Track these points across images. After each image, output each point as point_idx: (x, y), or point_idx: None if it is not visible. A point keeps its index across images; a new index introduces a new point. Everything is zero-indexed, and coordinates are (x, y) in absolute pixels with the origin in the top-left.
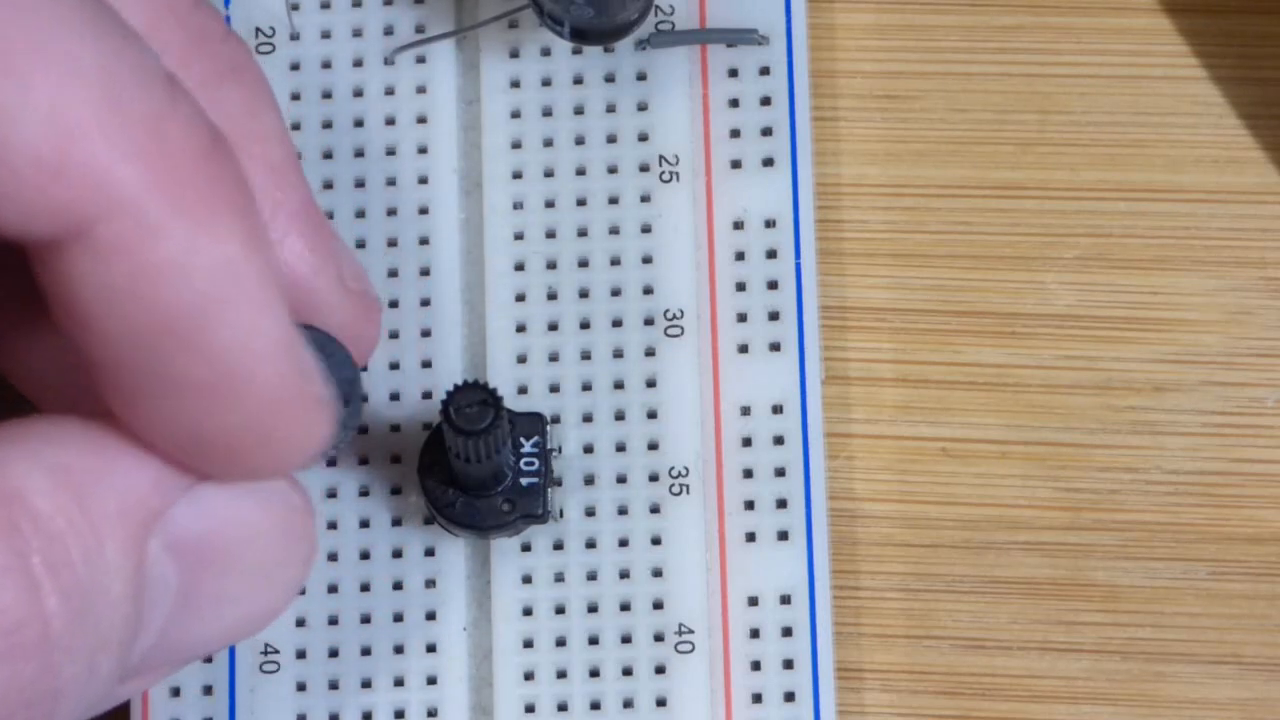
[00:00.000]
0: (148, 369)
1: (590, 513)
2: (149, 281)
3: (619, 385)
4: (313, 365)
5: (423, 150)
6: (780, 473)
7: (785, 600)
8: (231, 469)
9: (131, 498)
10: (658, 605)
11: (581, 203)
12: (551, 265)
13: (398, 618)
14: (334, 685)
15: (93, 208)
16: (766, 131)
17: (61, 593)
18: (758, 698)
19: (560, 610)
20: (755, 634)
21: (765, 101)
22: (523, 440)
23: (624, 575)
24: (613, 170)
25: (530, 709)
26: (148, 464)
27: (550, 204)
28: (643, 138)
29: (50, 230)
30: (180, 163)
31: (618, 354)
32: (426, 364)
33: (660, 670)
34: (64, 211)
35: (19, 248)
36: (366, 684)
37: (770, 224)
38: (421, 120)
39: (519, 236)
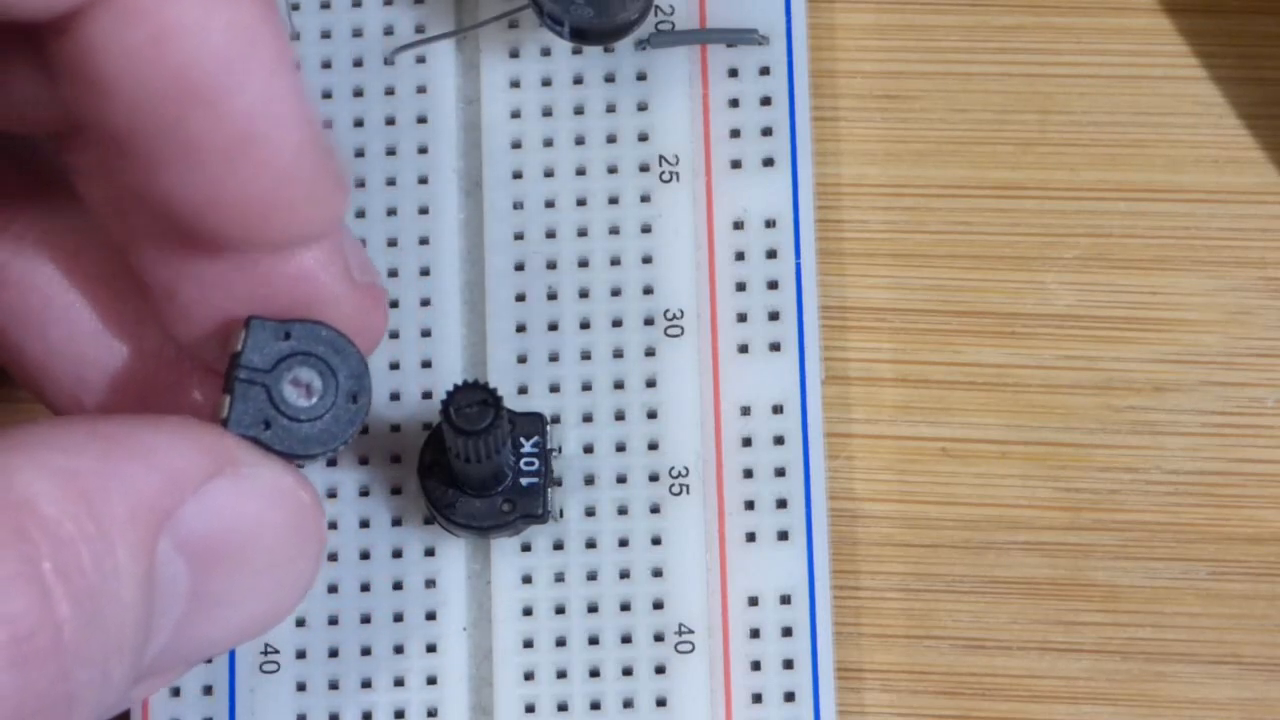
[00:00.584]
0: (168, 134)
1: (590, 513)
2: (169, 42)
3: (619, 385)
4: (327, 138)
5: (423, 150)
6: (780, 473)
7: (785, 600)
8: (250, 236)
9: (140, 500)
10: (658, 605)
11: (581, 203)
12: (551, 265)
13: (398, 618)
14: (334, 685)
15: None
16: (766, 131)
17: (73, 599)
18: (758, 698)
19: (560, 610)
20: (755, 634)
21: (765, 101)
22: (523, 440)
23: (624, 575)
24: (613, 170)
25: (530, 709)
26: (156, 465)
27: (550, 204)
28: (643, 138)
29: None
30: None
31: (618, 354)
32: (426, 364)
33: (660, 670)
34: None
35: (29, 32)
36: (366, 684)
37: (770, 224)
38: (421, 120)
39: (519, 236)
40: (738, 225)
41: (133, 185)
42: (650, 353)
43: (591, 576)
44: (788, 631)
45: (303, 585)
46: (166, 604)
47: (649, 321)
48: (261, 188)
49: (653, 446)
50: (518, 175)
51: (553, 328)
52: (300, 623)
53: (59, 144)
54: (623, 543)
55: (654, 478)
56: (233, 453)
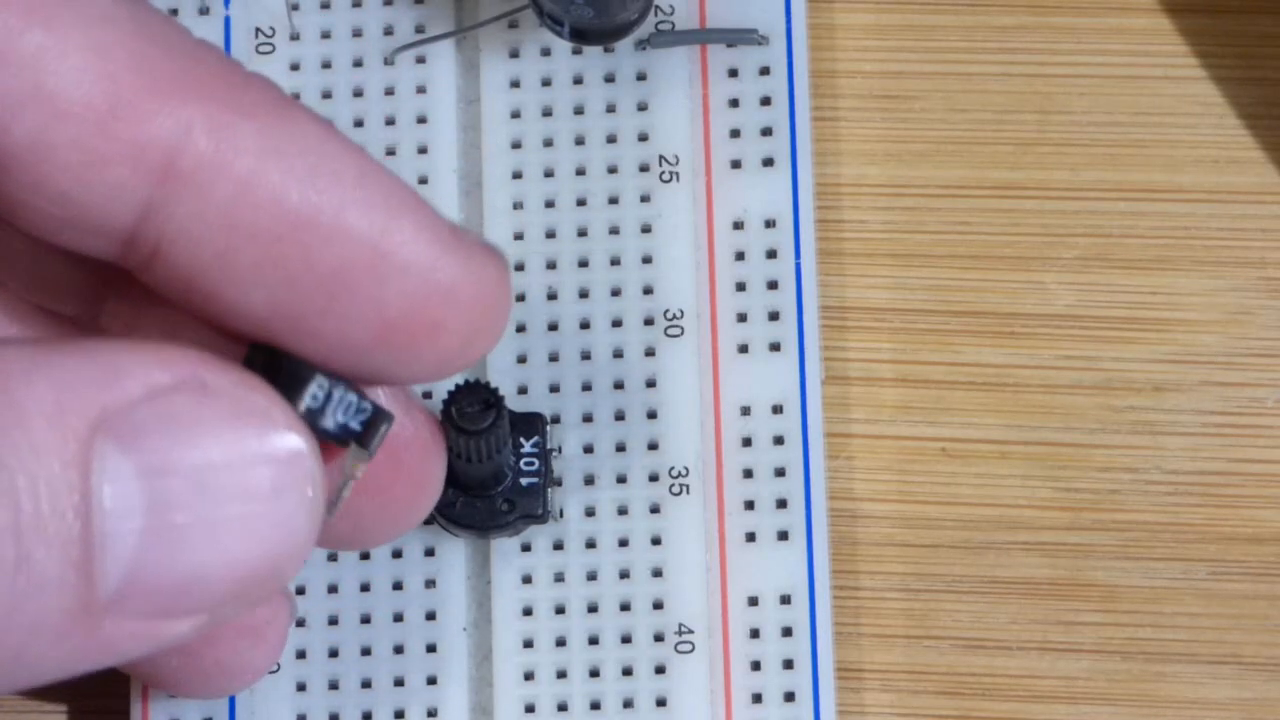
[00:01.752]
0: (304, 278)
1: (590, 513)
2: (257, 184)
3: (619, 385)
4: (463, 230)
5: (423, 150)
6: (780, 473)
7: (785, 600)
8: (432, 346)
9: (70, 388)
10: (658, 605)
11: (581, 203)
12: (551, 265)
13: (398, 618)
14: (334, 685)
15: (162, 136)
16: (766, 131)
17: None
18: (758, 698)
19: (560, 610)
20: (755, 634)
21: (765, 101)
22: (523, 440)
23: (624, 575)
24: (613, 170)
25: (530, 709)
26: (97, 362)
27: (550, 204)
28: (643, 138)
29: (136, 183)
30: (229, 80)
31: (618, 354)
32: None
33: (660, 670)
34: (137, 153)
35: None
36: (366, 684)
37: (770, 224)
38: (421, 120)
39: (519, 236)
40: (738, 225)
41: (290, 341)
42: (650, 353)
43: (591, 576)
44: (788, 631)
45: (294, 527)
46: (118, 512)
47: (649, 321)
48: (419, 293)
49: (653, 446)
50: (518, 175)
51: (553, 328)
52: (300, 623)
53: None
54: (623, 543)
55: (654, 478)
56: (198, 373)
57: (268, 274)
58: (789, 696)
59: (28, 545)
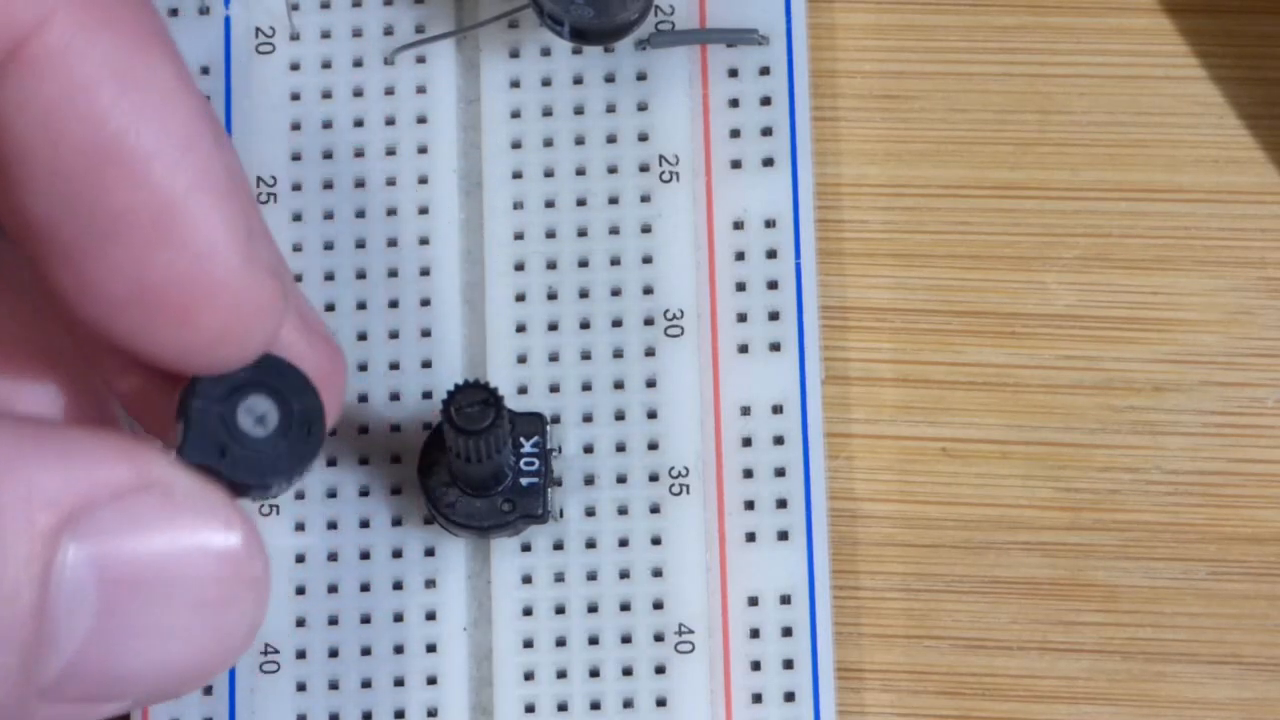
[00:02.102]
0: (88, 205)
1: (590, 513)
2: (86, 96)
3: (619, 385)
4: (260, 233)
5: (423, 150)
6: (780, 473)
7: (785, 600)
8: (177, 332)
9: (43, 489)
10: (658, 605)
11: (581, 203)
12: (551, 265)
13: (398, 618)
14: (334, 685)
15: (24, 15)
16: (766, 131)
17: None
18: (758, 698)
19: (560, 610)
20: (755, 634)
21: (765, 101)
22: (523, 440)
23: (624, 575)
24: (613, 170)
25: (530, 709)
26: (71, 461)
27: (550, 204)
28: (643, 138)
29: None
30: None
31: (618, 354)
32: (426, 364)
33: (660, 670)
34: None
35: None
36: (366, 684)
37: (770, 224)
38: (421, 120)
39: (519, 236)
40: (738, 225)
41: (52, 273)
42: (650, 353)
43: (591, 576)
44: (788, 631)
45: (234, 639)
46: (71, 613)
47: (649, 321)
48: (187, 269)
49: (653, 446)
50: (518, 175)
51: (553, 328)
52: (300, 623)
53: None
54: (623, 543)
55: (654, 478)
56: (163, 476)
57: (59, 187)
58: (789, 696)
59: None
